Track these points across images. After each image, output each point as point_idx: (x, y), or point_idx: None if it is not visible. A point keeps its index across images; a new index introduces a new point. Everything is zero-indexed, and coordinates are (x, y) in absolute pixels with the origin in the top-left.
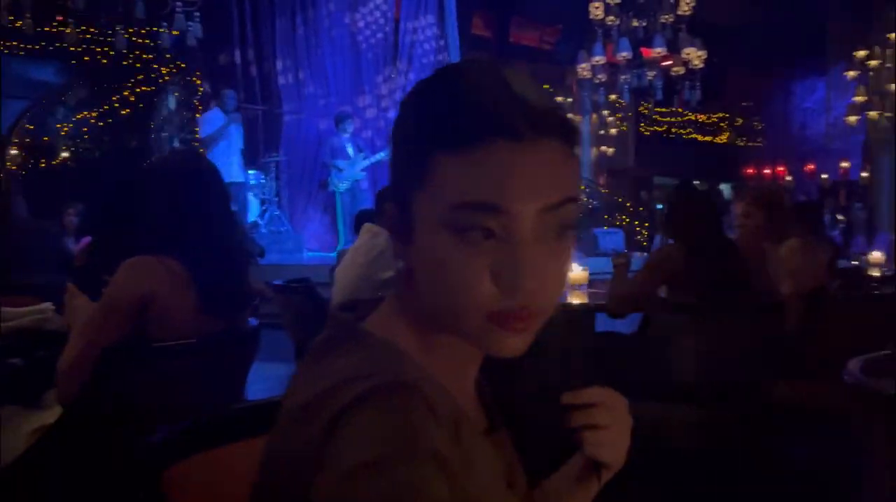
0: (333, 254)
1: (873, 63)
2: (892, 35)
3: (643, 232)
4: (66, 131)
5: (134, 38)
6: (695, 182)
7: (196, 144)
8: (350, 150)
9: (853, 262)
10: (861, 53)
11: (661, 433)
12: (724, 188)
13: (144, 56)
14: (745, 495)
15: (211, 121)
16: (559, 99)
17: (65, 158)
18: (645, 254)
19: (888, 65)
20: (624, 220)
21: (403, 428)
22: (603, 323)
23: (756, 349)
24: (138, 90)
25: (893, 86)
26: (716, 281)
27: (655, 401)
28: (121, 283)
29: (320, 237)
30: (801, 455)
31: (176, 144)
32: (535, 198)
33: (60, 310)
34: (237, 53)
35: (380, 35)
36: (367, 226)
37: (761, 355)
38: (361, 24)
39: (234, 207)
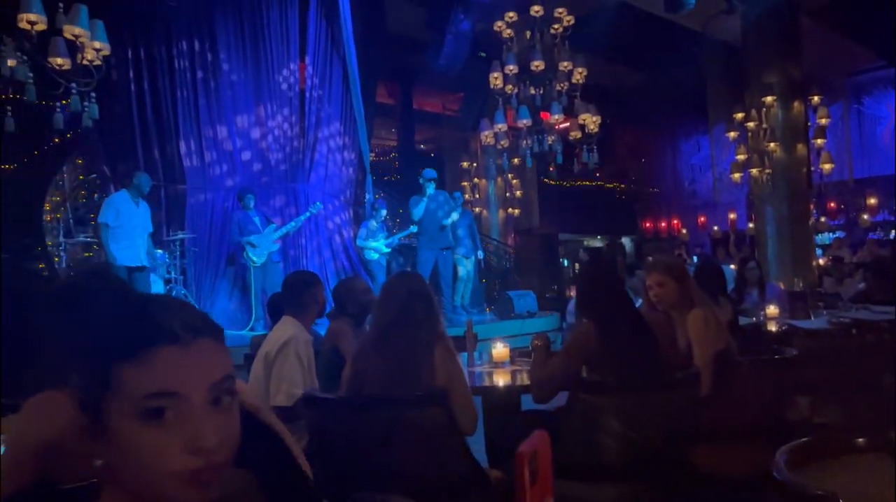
0: (245, 332)
1: (751, 125)
2: (767, 98)
3: (552, 290)
4: None
5: (22, 116)
6: (597, 237)
7: (95, 227)
8: (258, 223)
9: (752, 319)
10: (739, 115)
11: None
12: (626, 241)
13: (34, 135)
14: None
15: (116, 204)
16: (464, 164)
17: None
18: (555, 313)
19: (764, 126)
20: (534, 279)
21: None
22: (529, 401)
23: (674, 421)
24: (26, 170)
25: (771, 145)
26: (631, 361)
27: (580, 481)
28: (27, 426)
29: (230, 314)
30: None
31: (71, 225)
32: (201, 380)
33: None
34: (137, 132)
35: (285, 110)
36: (287, 318)
37: (679, 427)
38: (264, 99)
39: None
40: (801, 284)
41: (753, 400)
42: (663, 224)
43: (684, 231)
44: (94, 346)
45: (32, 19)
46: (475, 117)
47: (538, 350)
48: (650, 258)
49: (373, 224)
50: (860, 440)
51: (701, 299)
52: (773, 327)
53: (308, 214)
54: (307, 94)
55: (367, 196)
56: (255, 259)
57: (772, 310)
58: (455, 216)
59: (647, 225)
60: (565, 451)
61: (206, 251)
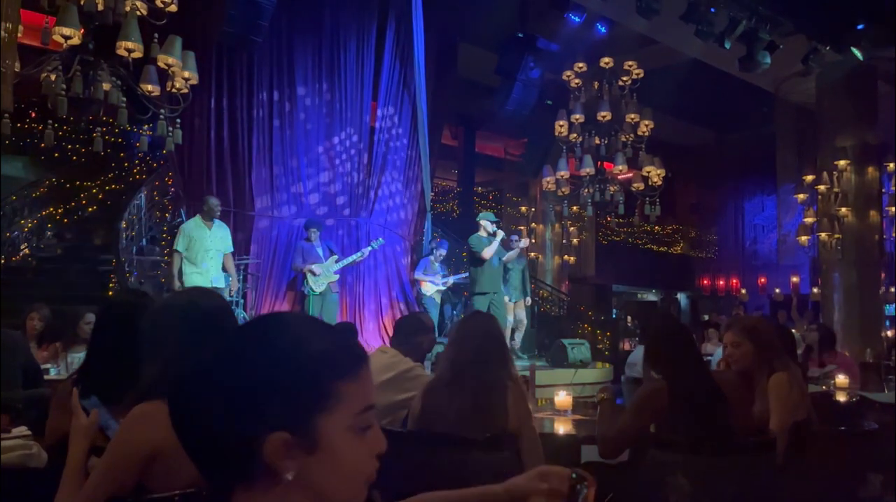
0: None
1: (821, 188)
2: (840, 162)
3: (605, 341)
4: (29, 227)
5: (108, 138)
6: (651, 291)
7: (169, 250)
8: (321, 253)
9: (822, 388)
10: (809, 178)
11: None
12: (681, 297)
13: (120, 155)
14: None
15: (188, 231)
16: (523, 209)
17: (25, 254)
18: (608, 364)
19: (836, 189)
20: (586, 328)
21: None
22: (589, 452)
23: (745, 487)
24: (107, 188)
25: (842, 210)
26: (703, 420)
27: None
28: (130, 435)
29: None
30: None
31: (143, 243)
32: (374, 392)
33: (35, 429)
34: (213, 158)
35: (354, 147)
36: (392, 348)
37: (750, 493)
38: (336, 134)
39: None
40: (870, 355)
41: (827, 473)
42: (721, 282)
43: (743, 291)
44: (316, 367)
45: (130, 47)
46: (537, 163)
47: (604, 403)
48: (732, 316)
49: (432, 262)
50: None
51: (783, 364)
52: (842, 397)
53: (370, 248)
54: (376, 133)
55: (426, 234)
56: (314, 287)
57: (841, 379)
58: (512, 254)
59: (705, 282)
60: None
61: (268, 276)
